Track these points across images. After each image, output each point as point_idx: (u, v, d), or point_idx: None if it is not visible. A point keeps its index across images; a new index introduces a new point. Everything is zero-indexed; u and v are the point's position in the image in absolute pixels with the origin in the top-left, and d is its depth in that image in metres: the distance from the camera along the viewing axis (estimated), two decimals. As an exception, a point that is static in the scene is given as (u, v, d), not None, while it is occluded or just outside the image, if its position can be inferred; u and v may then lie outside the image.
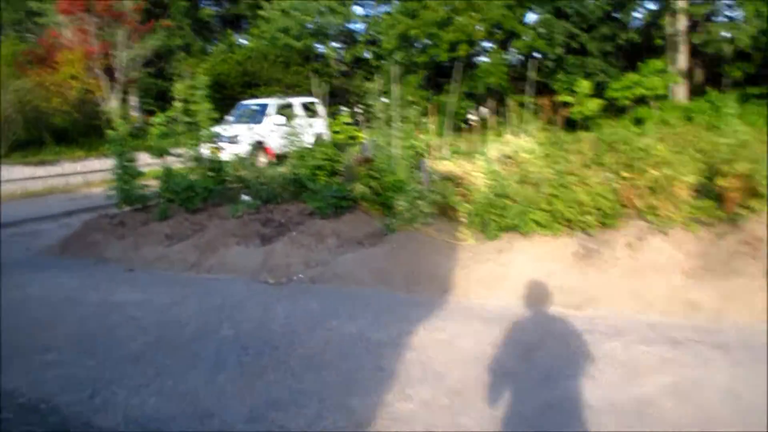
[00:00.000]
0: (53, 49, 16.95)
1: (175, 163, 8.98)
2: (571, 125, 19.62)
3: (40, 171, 12.93)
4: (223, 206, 8.63)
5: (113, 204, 8.30)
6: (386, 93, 24.34)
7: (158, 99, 19.72)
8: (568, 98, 18.28)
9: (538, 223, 6.16)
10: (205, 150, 9.23)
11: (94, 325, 5.08)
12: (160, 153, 8.72)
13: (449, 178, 6.92)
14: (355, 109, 24.28)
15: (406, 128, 9.74)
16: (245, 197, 9.01)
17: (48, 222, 9.71)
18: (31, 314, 5.46)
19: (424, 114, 11.95)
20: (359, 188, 7.62)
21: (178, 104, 9.21)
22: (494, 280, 5.61)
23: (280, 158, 15.51)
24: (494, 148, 9.18)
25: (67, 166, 13.42)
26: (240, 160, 9.72)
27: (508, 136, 9.66)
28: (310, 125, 16.66)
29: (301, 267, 6.37)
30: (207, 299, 5.57)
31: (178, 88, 9.24)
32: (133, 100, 21.03)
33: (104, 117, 15.78)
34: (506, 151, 9.04)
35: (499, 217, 6.49)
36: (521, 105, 23.02)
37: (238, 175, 9.34)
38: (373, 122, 12.13)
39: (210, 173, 9.23)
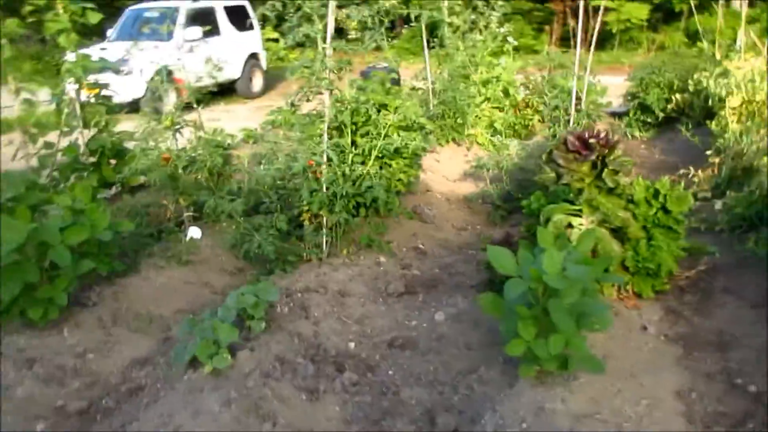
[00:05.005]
0: None
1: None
2: (599, 41, 14.89)
3: None
4: (140, 270, 3.15)
5: None
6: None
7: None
8: (606, 1, 13.23)
9: None
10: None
11: None
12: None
13: None
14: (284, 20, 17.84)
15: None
16: (195, 234, 3.52)
17: None
18: None
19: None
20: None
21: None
22: None
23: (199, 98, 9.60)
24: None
25: None
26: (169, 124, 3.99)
27: (748, 60, 4.63)
28: (241, 41, 10.69)
29: None
30: None
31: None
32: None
33: None
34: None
35: None
36: (518, 14, 17.79)
37: (170, 167, 3.72)
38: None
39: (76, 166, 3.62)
